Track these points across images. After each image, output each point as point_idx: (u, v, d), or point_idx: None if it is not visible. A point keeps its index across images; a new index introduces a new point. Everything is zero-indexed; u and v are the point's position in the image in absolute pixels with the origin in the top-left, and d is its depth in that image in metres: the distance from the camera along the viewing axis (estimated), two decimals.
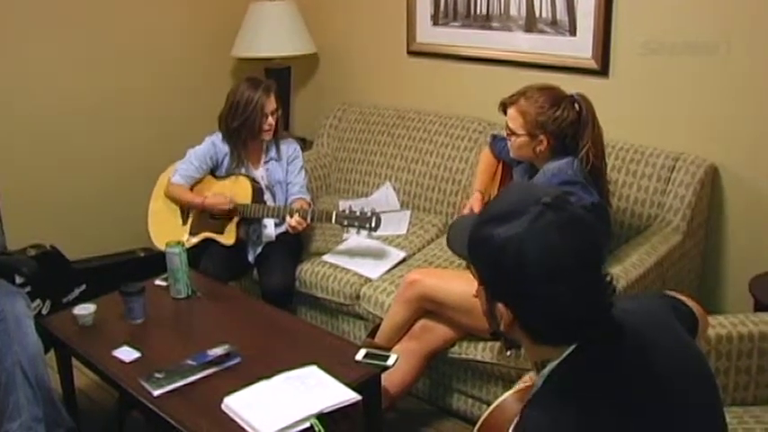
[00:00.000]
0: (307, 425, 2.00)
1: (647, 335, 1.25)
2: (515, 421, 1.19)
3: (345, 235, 3.29)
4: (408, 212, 3.50)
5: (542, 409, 1.17)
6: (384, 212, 3.06)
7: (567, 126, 2.41)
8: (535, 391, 1.22)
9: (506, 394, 1.42)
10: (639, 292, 2.52)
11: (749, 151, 2.86)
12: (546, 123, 2.41)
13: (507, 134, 2.53)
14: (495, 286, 1.23)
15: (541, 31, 3.26)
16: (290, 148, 3.27)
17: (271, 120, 3.10)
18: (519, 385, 1.47)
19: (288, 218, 2.99)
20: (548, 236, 1.15)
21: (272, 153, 3.23)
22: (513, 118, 2.48)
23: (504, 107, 2.53)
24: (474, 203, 2.80)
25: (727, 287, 3.04)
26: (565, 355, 1.19)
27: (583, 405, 1.15)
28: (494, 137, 2.95)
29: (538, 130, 2.43)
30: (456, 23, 3.57)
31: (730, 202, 2.96)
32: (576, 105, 2.44)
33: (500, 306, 1.22)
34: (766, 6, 2.68)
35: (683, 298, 1.47)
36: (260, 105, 3.06)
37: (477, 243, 1.23)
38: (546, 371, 1.21)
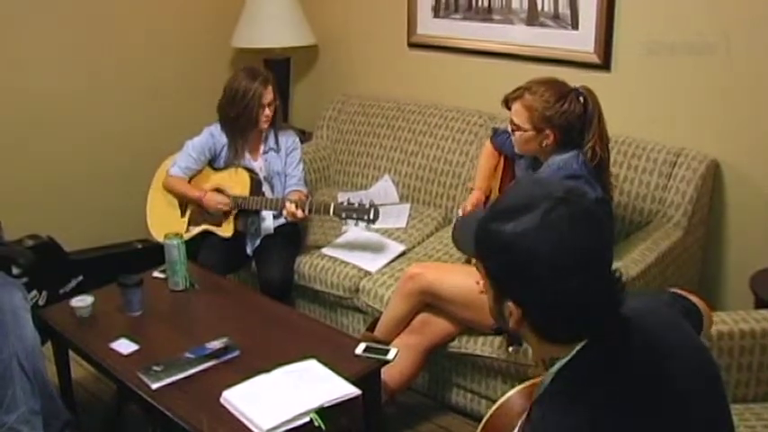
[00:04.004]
0: (306, 419, 1.99)
1: (655, 333, 1.23)
2: (522, 420, 1.18)
3: (344, 227, 3.27)
4: (408, 206, 3.48)
5: (550, 408, 1.16)
6: (383, 205, 3.05)
7: (575, 119, 2.39)
8: (543, 389, 1.20)
9: (512, 391, 1.40)
10: (641, 288, 2.51)
11: (751, 147, 2.84)
12: (553, 118, 2.38)
13: (512, 129, 2.50)
14: (504, 283, 1.21)
15: (543, 25, 3.25)
16: (288, 139, 3.25)
17: (268, 111, 3.08)
18: (526, 382, 1.45)
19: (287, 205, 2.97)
20: (560, 231, 1.14)
21: (271, 144, 3.21)
22: (518, 113, 2.45)
23: (507, 103, 2.51)
24: (473, 201, 2.79)
25: (727, 283, 3.03)
26: (573, 353, 1.18)
27: (591, 405, 1.14)
28: (495, 130, 2.93)
29: (544, 124, 2.40)
30: (457, 16, 3.54)
31: (731, 198, 2.95)
32: (582, 98, 2.42)
33: (509, 304, 1.20)
34: None
35: (688, 295, 1.46)
36: (257, 96, 3.04)
37: (486, 239, 1.21)
38: (554, 369, 1.20)
